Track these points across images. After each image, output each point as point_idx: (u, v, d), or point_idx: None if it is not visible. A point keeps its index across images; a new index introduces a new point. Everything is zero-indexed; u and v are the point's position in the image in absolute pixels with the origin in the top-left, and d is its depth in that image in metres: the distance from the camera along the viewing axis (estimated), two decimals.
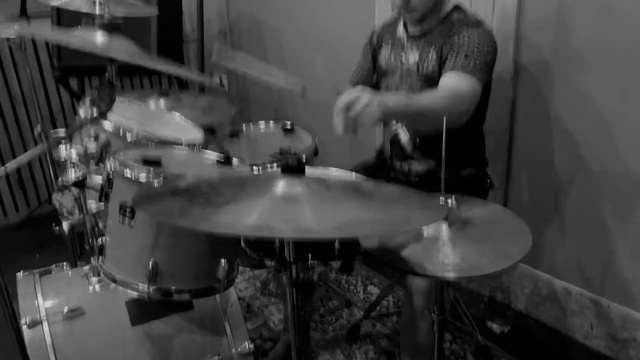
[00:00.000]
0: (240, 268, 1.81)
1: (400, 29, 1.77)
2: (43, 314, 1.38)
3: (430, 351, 1.30)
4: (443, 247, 1.09)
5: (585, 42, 1.77)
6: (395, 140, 1.80)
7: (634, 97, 1.70)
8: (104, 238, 1.30)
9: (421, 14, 1.64)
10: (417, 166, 1.77)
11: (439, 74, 1.62)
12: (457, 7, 1.68)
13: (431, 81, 1.65)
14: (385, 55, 1.80)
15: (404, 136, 1.75)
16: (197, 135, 1.65)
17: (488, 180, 1.83)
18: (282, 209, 0.94)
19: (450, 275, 1.03)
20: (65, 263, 1.60)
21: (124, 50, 1.33)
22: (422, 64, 1.68)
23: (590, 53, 1.77)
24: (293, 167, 1.01)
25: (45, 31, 1.37)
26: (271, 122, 1.91)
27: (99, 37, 1.38)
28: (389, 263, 1.08)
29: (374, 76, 1.88)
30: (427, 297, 1.58)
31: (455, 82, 1.55)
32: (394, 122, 1.79)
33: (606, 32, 1.71)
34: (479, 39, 1.57)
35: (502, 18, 1.93)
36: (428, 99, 1.51)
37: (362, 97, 1.37)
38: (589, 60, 1.78)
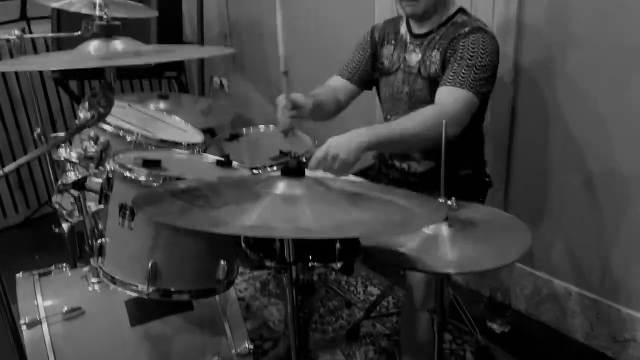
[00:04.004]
0: (241, 269, 1.81)
1: (404, 28, 1.76)
2: (42, 314, 1.37)
3: (430, 350, 1.30)
4: (443, 245, 1.10)
5: (586, 44, 1.77)
6: None
7: (635, 98, 1.70)
8: (103, 239, 1.30)
9: (424, 9, 1.61)
10: (417, 166, 1.77)
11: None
12: (461, 10, 1.67)
13: (435, 83, 1.63)
14: (388, 53, 1.78)
15: None
16: (197, 138, 1.65)
17: (487, 180, 1.83)
18: (282, 209, 0.94)
19: (450, 270, 1.03)
20: (65, 264, 1.60)
21: (124, 52, 1.33)
22: (425, 65, 1.66)
23: (591, 54, 1.77)
24: (293, 170, 1.02)
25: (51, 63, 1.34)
26: (271, 125, 1.91)
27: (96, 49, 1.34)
28: (388, 261, 1.08)
29: (374, 74, 1.84)
30: (426, 293, 1.57)
31: (442, 102, 1.54)
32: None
33: (607, 33, 1.71)
34: (484, 46, 1.55)
35: (503, 19, 1.93)
36: (407, 125, 1.51)
37: (329, 153, 1.40)
38: (589, 62, 1.78)
